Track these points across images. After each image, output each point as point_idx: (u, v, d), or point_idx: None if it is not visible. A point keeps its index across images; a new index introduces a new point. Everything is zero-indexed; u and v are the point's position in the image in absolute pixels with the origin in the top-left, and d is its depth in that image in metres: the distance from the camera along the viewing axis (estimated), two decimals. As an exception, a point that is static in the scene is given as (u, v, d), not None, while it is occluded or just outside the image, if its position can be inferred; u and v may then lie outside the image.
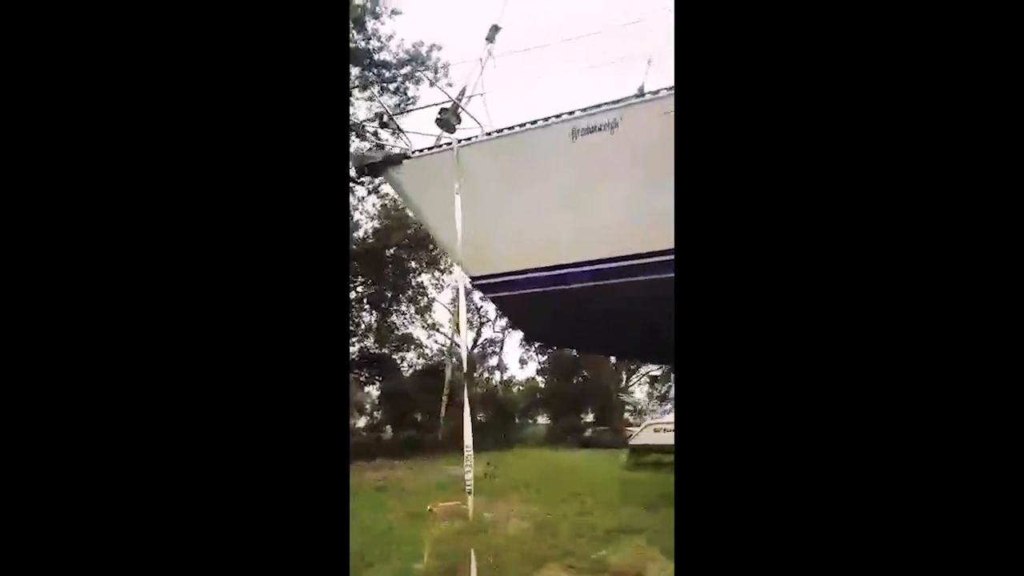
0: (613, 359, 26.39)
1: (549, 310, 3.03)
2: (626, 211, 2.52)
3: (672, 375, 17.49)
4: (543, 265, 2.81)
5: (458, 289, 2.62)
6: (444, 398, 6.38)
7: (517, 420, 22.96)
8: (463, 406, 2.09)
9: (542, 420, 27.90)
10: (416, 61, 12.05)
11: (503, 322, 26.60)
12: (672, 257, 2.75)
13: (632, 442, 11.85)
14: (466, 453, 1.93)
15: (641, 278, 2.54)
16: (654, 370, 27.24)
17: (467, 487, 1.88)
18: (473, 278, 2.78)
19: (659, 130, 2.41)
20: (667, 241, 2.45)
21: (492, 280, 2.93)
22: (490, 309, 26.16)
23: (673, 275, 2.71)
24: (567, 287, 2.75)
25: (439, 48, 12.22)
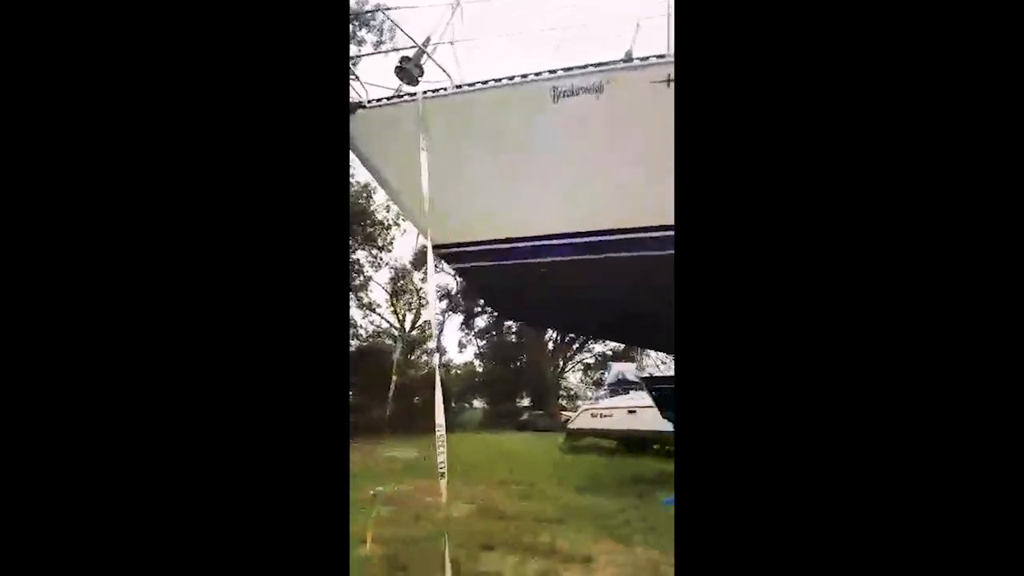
0: (551, 345, 27.01)
1: (524, 285, 2.82)
2: (612, 183, 2.37)
3: (608, 364, 18.11)
4: (519, 236, 2.60)
5: (426, 258, 2.35)
6: (393, 379, 6.04)
7: (454, 404, 22.86)
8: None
9: (478, 404, 28.03)
10: (358, 20, 10.95)
11: (443, 304, 26.30)
12: (662, 234, 2.69)
13: (570, 426, 12.12)
14: (438, 433, 1.73)
15: (626, 255, 2.41)
16: (588, 358, 28.29)
17: (440, 469, 1.68)
18: (438, 247, 2.51)
19: (648, 100, 2.26)
20: (656, 217, 2.35)
21: (462, 249, 2.68)
22: (428, 290, 25.63)
23: (663, 253, 2.66)
24: (545, 260, 2.56)
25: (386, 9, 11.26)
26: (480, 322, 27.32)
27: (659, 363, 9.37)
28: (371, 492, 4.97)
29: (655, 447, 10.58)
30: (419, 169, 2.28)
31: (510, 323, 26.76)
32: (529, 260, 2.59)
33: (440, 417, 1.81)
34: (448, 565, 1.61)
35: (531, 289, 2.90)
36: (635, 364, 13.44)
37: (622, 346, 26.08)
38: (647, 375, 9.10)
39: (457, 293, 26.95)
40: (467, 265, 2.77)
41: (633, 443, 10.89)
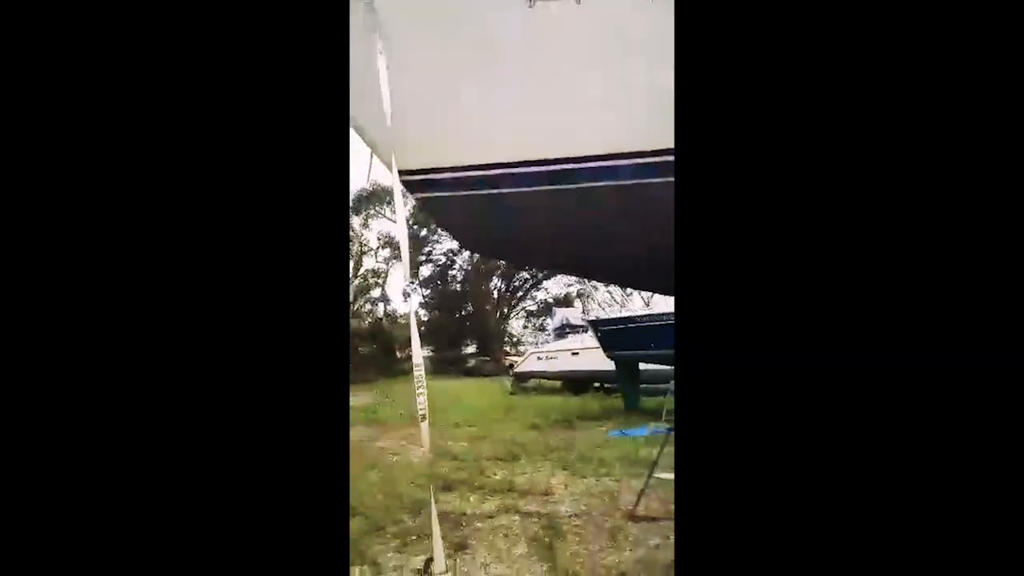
0: (495, 294, 27.24)
1: (494, 220, 2.59)
2: (595, 102, 2.16)
3: (552, 309, 18.56)
4: (489, 162, 2.34)
5: (392, 183, 2.05)
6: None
7: (399, 353, 22.65)
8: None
9: (425, 352, 28.13)
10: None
11: (386, 252, 25.38)
12: (643, 161, 2.55)
13: (518, 369, 12.44)
14: (416, 373, 1.55)
15: (612, 183, 2.25)
16: (530, 305, 28.98)
17: (421, 412, 1.53)
18: (402, 172, 2.21)
19: (633, 13, 2.03)
20: (643, 142, 2.19)
21: (426, 177, 2.38)
22: (371, 237, 24.52)
23: (644, 181, 2.53)
24: (517, 191, 2.35)
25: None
26: (425, 271, 26.79)
27: (603, 305, 9.63)
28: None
29: (595, 385, 11.16)
30: (378, 77, 1.91)
31: (455, 272, 26.47)
32: (500, 191, 2.35)
33: (418, 357, 1.64)
34: (434, 513, 1.51)
35: (502, 224, 2.67)
36: (579, 309, 13.85)
37: (563, 293, 26.98)
38: (593, 318, 9.37)
39: (399, 240, 26.00)
40: (431, 195, 2.47)
41: (576, 383, 11.41)
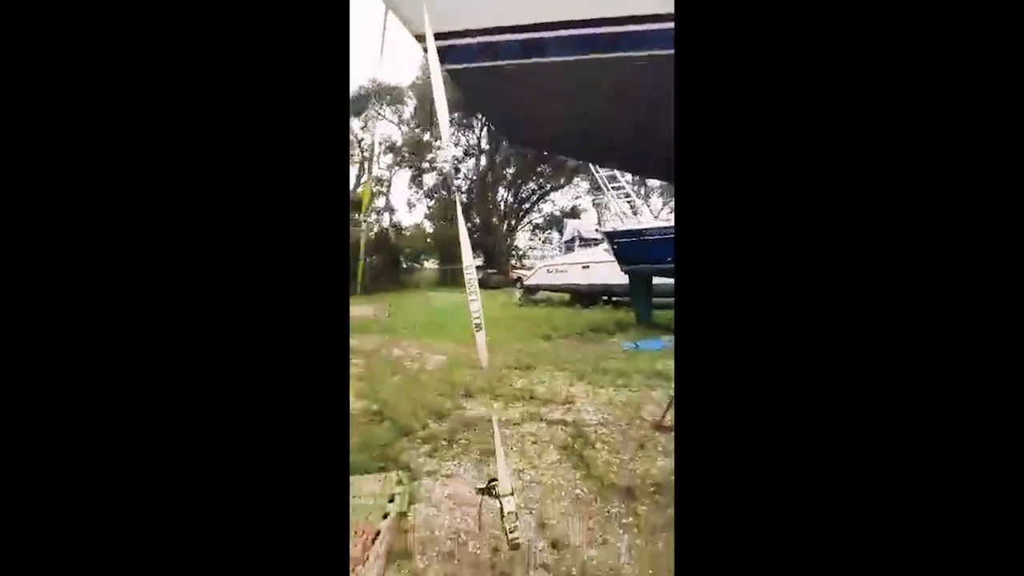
0: (502, 206, 26.51)
1: (520, 95, 2.20)
2: None
3: (563, 221, 18.03)
4: (514, 24, 1.92)
5: (426, 48, 1.67)
6: (361, 261, 5.35)
7: (405, 264, 22.60)
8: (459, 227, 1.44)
9: (429, 264, 28.08)
10: None
11: (388, 159, 24.27)
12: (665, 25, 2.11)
13: (528, 282, 12.39)
14: (467, 277, 1.34)
15: (641, 53, 1.85)
16: (537, 218, 28.36)
17: (475, 321, 1.34)
18: (419, 37, 1.82)
19: None
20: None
21: (449, 43, 1.96)
22: (374, 143, 23.31)
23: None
24: (543, 61, 1.95)
25: None
26: (429, 180, 25.82)
27: (621, 216, 9.20)
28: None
29: (604, 299, 11.17)
30: None
31: (460, 182, 25.48)
32: (523, 61, 1.95)
33: (468, 257, 1.41)
34: (497, 435, 1.37)
35: (530, 101, 2.28)
36: (588, 222, 13.41)
37: (570, 206, 26.21)
38: (609, 229, 9.04)
39: (402, 146, 24.77)
40: (459, 67, 2.07)
41: (586, 297, 11.41)
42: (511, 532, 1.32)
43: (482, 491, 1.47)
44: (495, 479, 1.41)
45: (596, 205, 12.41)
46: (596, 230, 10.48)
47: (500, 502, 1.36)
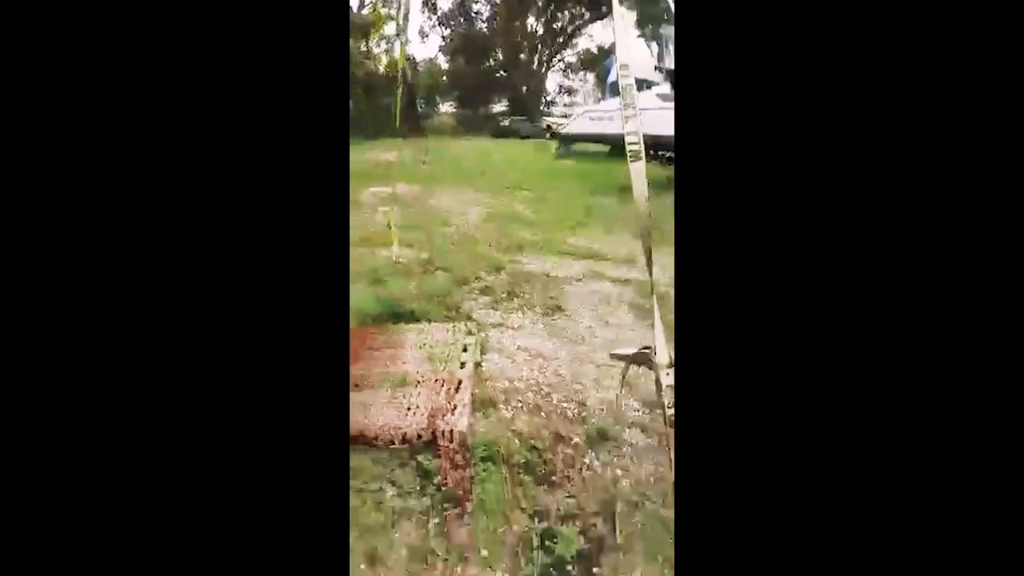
0: (533, 38, 22.98)
1: None
2: None
3: (609, 57, 15.66)
4: None
5: None
6: (397, 95, 4.49)
7: (421, 108, 20.72)
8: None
9: (446, 108, 25.61)
10: None
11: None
12: None
13: (566, 131, 11.24)
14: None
15: None
16: (570, 56, 24.78)
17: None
18: None
19: None
20: None
21: None
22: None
23: None
24: None
25: None
26: (444, 3, 22.12)
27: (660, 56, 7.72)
28: (382, 211, 4.46)
29: (651, 152, 10.19)
30: None
31: (479, 7, 21.74)
32: None
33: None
34: (656, 305, 1.08)
35: None
36: (643, 58, 11.53)
37: (610, 42, 22.60)
38: (670, 66, 7.73)
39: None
40: None
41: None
42: (669, 408, 1.12)
43: (630, 358, 1.25)
44: (648, 347, 1.17)
45: (656, 38, 10.45)
46: (657, 68, 8.95)
47: (657, 373, 1.14)
